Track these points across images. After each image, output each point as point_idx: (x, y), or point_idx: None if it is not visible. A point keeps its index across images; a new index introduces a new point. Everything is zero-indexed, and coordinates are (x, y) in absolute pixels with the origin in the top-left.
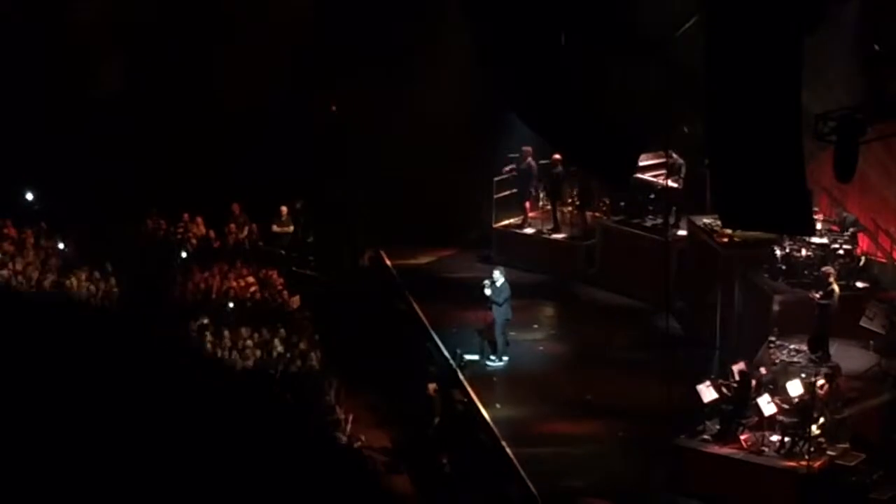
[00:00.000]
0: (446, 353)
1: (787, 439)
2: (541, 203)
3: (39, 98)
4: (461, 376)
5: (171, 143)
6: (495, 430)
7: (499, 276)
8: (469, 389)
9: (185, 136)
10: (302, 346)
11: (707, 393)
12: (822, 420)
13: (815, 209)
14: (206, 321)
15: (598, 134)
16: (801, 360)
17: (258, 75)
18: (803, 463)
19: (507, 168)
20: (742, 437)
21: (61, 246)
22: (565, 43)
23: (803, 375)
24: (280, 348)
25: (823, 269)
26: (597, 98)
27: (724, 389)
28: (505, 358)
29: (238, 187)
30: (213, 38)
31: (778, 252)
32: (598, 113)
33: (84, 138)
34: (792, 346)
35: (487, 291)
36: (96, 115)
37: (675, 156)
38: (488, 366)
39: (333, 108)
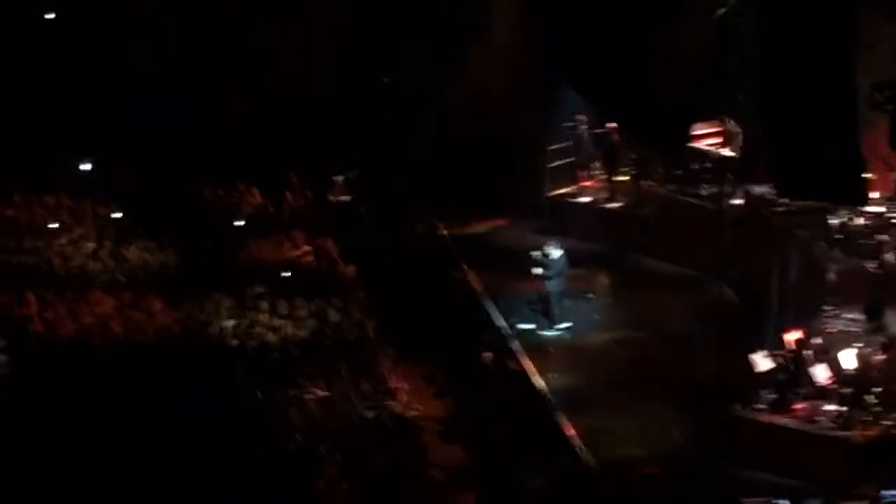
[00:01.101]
0: (501, 323)
1: (842, 409)
2: (596, 172)
3: (91, 66)
4: (516, 346)
5: (227, 113)
6: (550, 399)
7: (554, 249)
8: (524, 359)
9: (241, 106)
10: (356, 315)
11: (762, 362)
12: (877, 390)
13: (871, 178)
14: (260, 290)
15: (650, 104)
16: (856, 329)
17: (311, 47)
18: (858, 433)
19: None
20: (797, 407)
21: (118, 215)
22: (616, 11)
23: (859, 345)
24: (335, 318)
25: (878, 237)
26: (649, 67)
27: (779, 359)
28: (560, 327)
29: (295, 157)
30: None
31: (833, 221)
32: (650, 82)
33: (139, 108)
34: (848, 316)
35: (538, 270)
36: (150, 85)
37: (730, 124)
38: (543, 335)
39: (385, 79)
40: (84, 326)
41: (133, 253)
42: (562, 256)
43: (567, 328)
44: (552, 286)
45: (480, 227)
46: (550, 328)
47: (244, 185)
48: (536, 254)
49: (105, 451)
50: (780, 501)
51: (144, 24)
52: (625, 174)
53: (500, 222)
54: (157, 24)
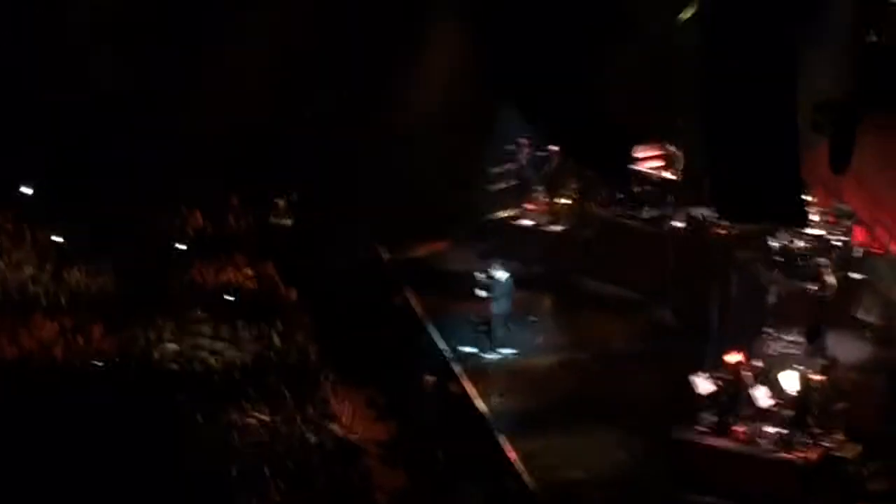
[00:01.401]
0: (442, 346)
1: (783, 431)
2: (537, 195)
3: (37, 89)
4: (457, 369)
5: (169, 136)
6: (492, 422)
7: (498, 271)
8: (466, 382)
9: (181, 129)
10: (299, 339)
11: (702, 384)
12: (817, 412)
13: (811, 200)
14: (202, 314)
15: (593, 126)
16: (796, 351)
17: (252, 70)
18: (799, 455)
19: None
20: (737, 430)
21: (58, 239)
22: (560, 34)
23: (799, 367)
24: (277, 341)
25: (818, 260)
26: (592, 89)
27: (720, 381)
28: (504, 350)
29: (236, 179)
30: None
31: (774, 243)
32: (593, 104)
33: (82, 132)
34: (788, 338)
35: (482, 293)
36: (92, 108)
37: (672, 147)
38: (486, 358)
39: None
40: (25, 351)
41: (74, 277)
42: (508, 278)
43: (510, 351)
44: (497, 308)
45: (422, 250)
46: (493, 351)
47: (186, 207)
48: (481, 275)
49: (45, 476)
50: None
51: (85, 49)
52: (567, 197)
53: (442, 245)
54: (97, 48)
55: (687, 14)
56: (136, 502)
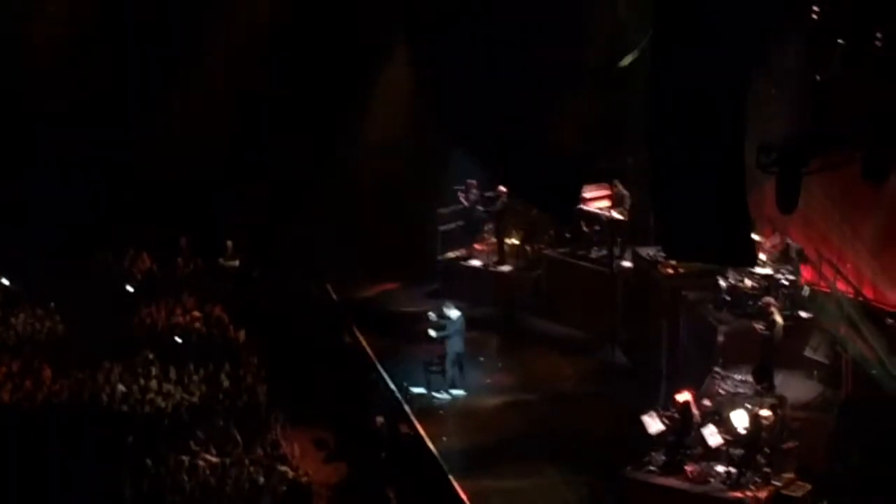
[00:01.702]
0: (393, 387)
1: (732, 470)
2: (486, 235)
3: None
4: (408, 409)
5: (117, 178)
6: (442, 463)
7: (451, 310)
8: (416, 422)
9: (131, 171)
10: (248, 380)
11: (652, 424)
12: (767, 450)
13: (758, 240)
14: (151, 356)
15: (539, 166)
16: (746, 390)
17: (199, 113)
18: (749, 494)
19: (462, 196)
20: (687, 468)
21: (5, 282)
22: (507, 75)
23: (748, 406)
24: (226, 383)
25: (765, 299)
26: (539, 130)
27: (669, 420)
28: (458, 391)
29: (184, 221)
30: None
31: (722, 283)
32: (539, 145)
33: (28, 169)
34: (737, 377)
35: (433, 334)
36: (41, 142)
37: (619, 187)
38: (435, 398)
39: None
40: None
41: (21, 321)
42: (460, 317)
43: (459, 392)
44: (450, 346)
45: (371, 291)
46: (444, 391)
47: (133, 249)
48: (433, 315)
49: None
50: None
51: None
52: (515, 237)
53: (391, 286)
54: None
55: (628, 60)
56: None
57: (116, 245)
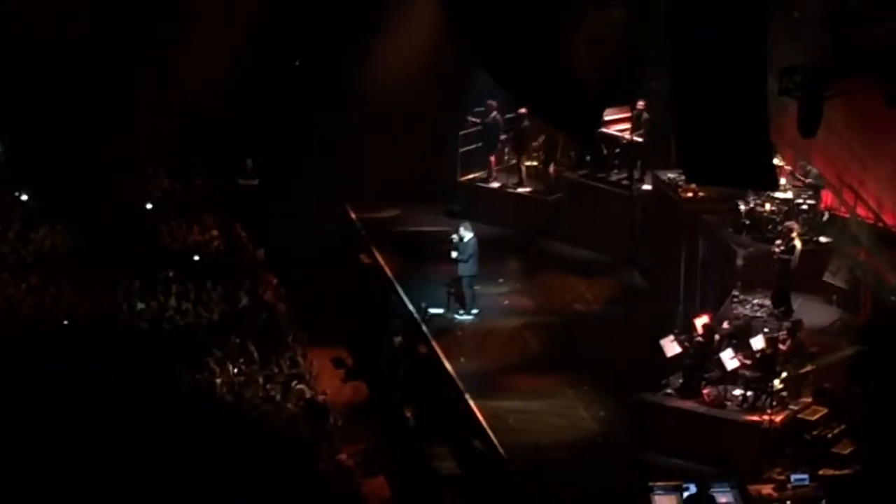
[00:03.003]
0: (411, 307)
1: (749, 393)
2: (506, 157)
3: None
4: (426, 330)
5: (137, 98)
6: (459, 383)
7: (465, 232)
8: (433, 343)
9: (152, 90)
10: (266, 299)
11: (670, 347)
12: (784, 374)
13: (779, 164)
14: (170, 274)
15: (562, 88)
16: (763, 314)
17: (222, 34)
18: (765, 417)
19: (471, 120)
20: (704, 392)
21: (25, 198)
22: None
23: (766, 330)
24: (245, 301)
25: (786, 223)
26: (561, 51)
27: (687, 344)
28: (473, 312)
29: (204, 140)
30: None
31: (742, 207)
32: (562, 67)
33: (51, 90)
34: (755, 301)
35: (454, 254)
36: (63, 68)
37: (640, 109)
38: (455, 319)
39: (297, 62)
40: None
41: (41, 237)
42: (472, 239)
43: (477, 312)
44: (464, 269)
45: (390, 212)
46: (461, 312)
47: (153, 168)
48: (455, 237)
49: (10, 434)
50: (689, 485)
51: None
52: (535, 159)
53: (411, 206)
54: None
55: None
56: (100, 460)
57: (136, 163)
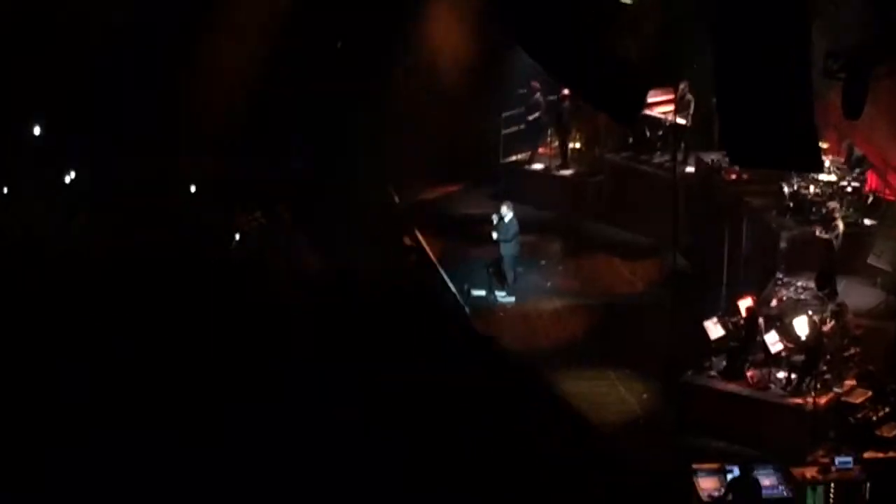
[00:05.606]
0: (453, 288)
1: (793, 376)
2: (549, 139)
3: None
4: (467, 311)
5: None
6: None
7: (507, 212)
8: (476, 323)
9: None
10: None
11: (714, 330)
12: (828, 357)
13: (824, 146)
14: None
15: (605, 69)
16: (807, 297)
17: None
18: (809, 400)
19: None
20: (748, 374)
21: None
22: None
23: (810, 312)
24: None
25: (829, 206)
26: (604, 32)
27: (731, 326)
28: (513, 293)
29: (249, 122)
30: None
31: (786, 189)
32: (605, 48)
33: (93, 75)
34: (799, 283)
35: (495, 235)
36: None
37: (684, 91)
38: (495, 301)
39: (339, 44)
40: None
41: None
42: (512, 219)
43: (518, 294)
44: (505, 250)
45: (433, 194)
46: (503, 294)
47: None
48: (496, 217)
49: None
50: (732, 468)
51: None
52: (578, 141)
53: (453, 188)
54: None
55: None
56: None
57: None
